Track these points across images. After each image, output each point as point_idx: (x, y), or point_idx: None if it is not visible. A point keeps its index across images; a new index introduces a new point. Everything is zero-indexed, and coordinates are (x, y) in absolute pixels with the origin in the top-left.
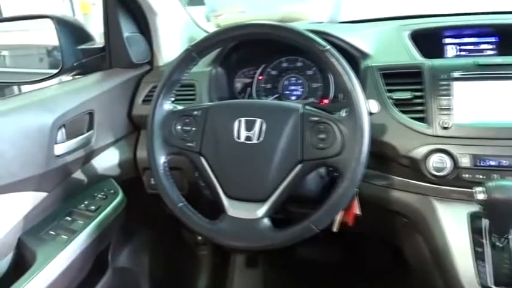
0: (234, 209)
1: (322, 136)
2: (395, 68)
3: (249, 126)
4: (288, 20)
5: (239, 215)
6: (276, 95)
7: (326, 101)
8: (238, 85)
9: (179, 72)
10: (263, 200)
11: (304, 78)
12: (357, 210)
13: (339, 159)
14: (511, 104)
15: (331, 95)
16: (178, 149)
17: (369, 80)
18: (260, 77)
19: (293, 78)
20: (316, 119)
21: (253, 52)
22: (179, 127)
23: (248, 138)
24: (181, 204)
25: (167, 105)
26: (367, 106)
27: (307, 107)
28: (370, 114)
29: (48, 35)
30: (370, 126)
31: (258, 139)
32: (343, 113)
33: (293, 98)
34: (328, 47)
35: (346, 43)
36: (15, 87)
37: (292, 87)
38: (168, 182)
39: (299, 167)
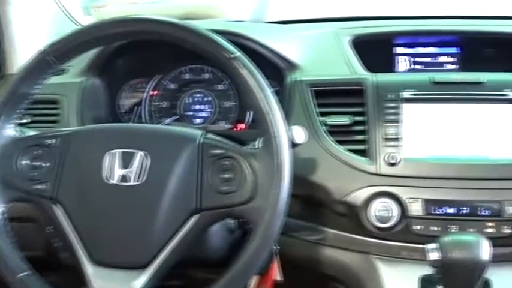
0: (100, 279)
1: (227, 176)
2: (331, 84)
3: (126, 162)
4: (195, 16)
5: None
6: (175, 117)
7: (242, 125)
8: (124, 103)
9: (28, 83)
10: (143, 266)
11: (214, 94)
12: (276, 275)
13: (248, 207)
14: (475, 134)
15: (249, 118)
16: (22, 194)
17: (296, 99)
18: (154, 92)
19: (198, 95)
20: (218, 152)
21: (145, 59)
22: (25, 162)
23: (124, 178)
24: (23, 274)
25: (10, 130)
26: (290, 134)
27: (209, 136)
28: (294, 145)
29: None
30: (293, 161)
31: (138, 179)
32: (258, 144)
33: (198, 120)
34: (237, 53)
35: (268, 49)
36: None
37: (197, 107)
38: (4, 242)
39: (195, 218)
